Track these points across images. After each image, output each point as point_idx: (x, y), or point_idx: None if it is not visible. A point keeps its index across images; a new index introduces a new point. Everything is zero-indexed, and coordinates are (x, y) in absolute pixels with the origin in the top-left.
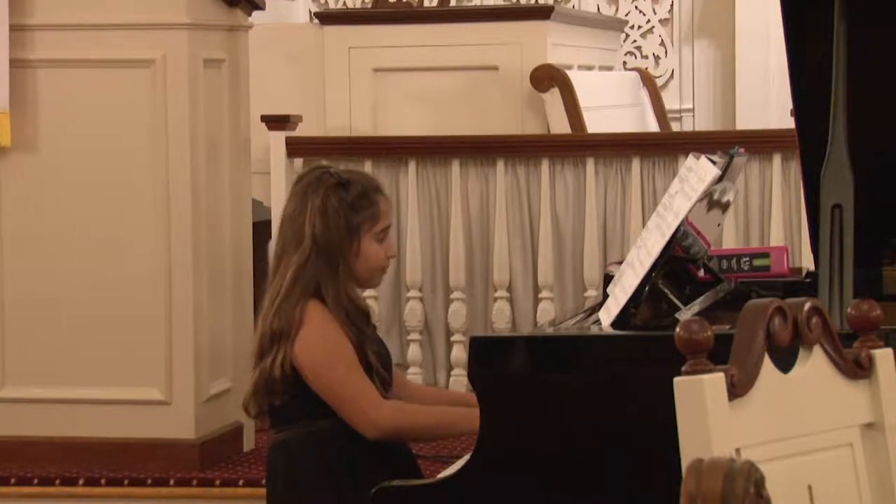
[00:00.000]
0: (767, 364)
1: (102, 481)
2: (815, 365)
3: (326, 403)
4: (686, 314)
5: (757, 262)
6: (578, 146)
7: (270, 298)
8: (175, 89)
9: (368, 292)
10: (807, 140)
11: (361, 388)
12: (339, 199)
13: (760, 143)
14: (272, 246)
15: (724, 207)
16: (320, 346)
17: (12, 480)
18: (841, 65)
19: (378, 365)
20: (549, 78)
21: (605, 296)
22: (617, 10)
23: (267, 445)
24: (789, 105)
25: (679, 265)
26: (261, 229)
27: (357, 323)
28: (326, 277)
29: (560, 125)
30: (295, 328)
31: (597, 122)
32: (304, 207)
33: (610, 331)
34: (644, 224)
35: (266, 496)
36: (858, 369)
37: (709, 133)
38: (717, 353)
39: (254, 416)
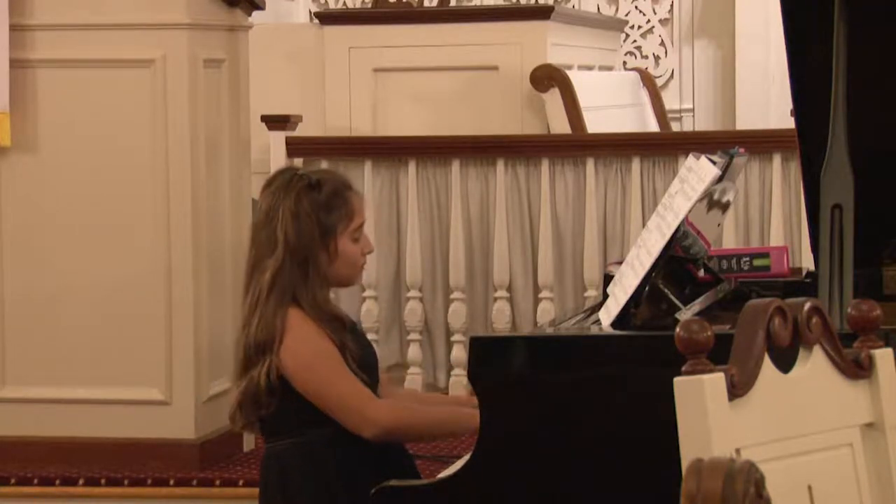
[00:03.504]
0: (767, 364)
1: (102, 481)
2: (815, 365)
3: (315, 411)
4: (686, 314)
5: (757, 262)
6: (578, 146)
7: (250, 307)
8: (175, 89)
9: (368, 292)
10: (807, 140)
11: (354, 388)
12: (312, 200)
13: (760, 143)
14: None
15: (724, 207)
16: (306, 350)
17: (12, 480)
18: (841, 65)
19: (357, 369)
20: (549, 78)
21: (605, 296)
22: (617, 10)
23: (260, 457)
24: (789, 105)
25: (679, 265)
26: None
27: (333, 327)
28: (300, 282)
29: (560, 125)
30: (278, 336)
31: (597, 122)
32: (275, 212)
33: (610, 331)
34: (644, 224)
35: None
36: (858, 369)
37: (709, 133)
38: (717, 353)
39: (240, 428)
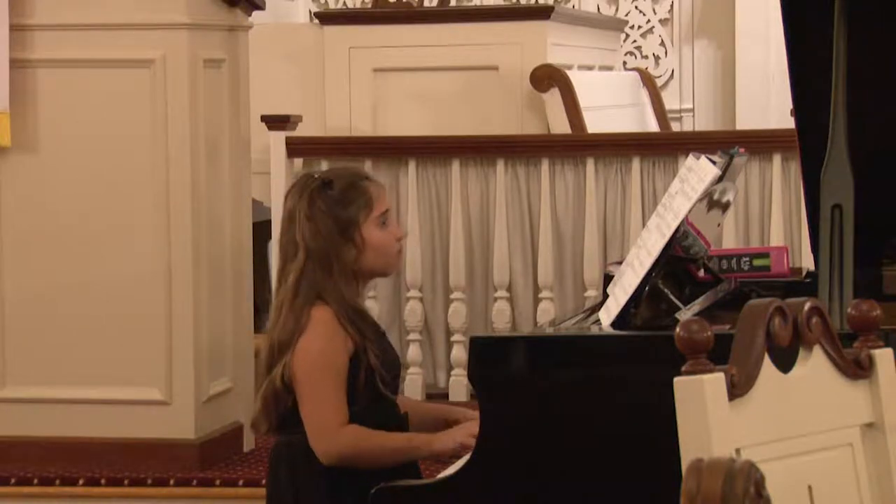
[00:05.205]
0: (767, 364)
1: (102, 481)
2: (815, 365)
3: None
4: (686, 314)
5: (757, 262)
6: (578, 146)
7: (276, 311)
8: (175, 89)
9: (368, 292)
10: (807, 140)
11: (332, 414)
12: (325, 198)
13: (760, 143)
14: (272, 245)
15: (724, 207)
16: (310, 353)
17: (12, 480)
18: (841, 65)
19: (379, 366)
20: (549, 78)
21: (605, 296)
22: (617, 10)
23: (270, 447)
24: (789, 105)
25: (679, 265)
26: (261, 229)
27: (358, 325)
28: (324, 281)
29: (560, 125)
30: (298, 334)
31: (597, 122)
32: (294, 217)
33: (610, 331)
34: (644, 224)
35: (266, 498)
36: (858, 369)
37: (709, 133)
38: (717, 353)
39: (264, 432)
